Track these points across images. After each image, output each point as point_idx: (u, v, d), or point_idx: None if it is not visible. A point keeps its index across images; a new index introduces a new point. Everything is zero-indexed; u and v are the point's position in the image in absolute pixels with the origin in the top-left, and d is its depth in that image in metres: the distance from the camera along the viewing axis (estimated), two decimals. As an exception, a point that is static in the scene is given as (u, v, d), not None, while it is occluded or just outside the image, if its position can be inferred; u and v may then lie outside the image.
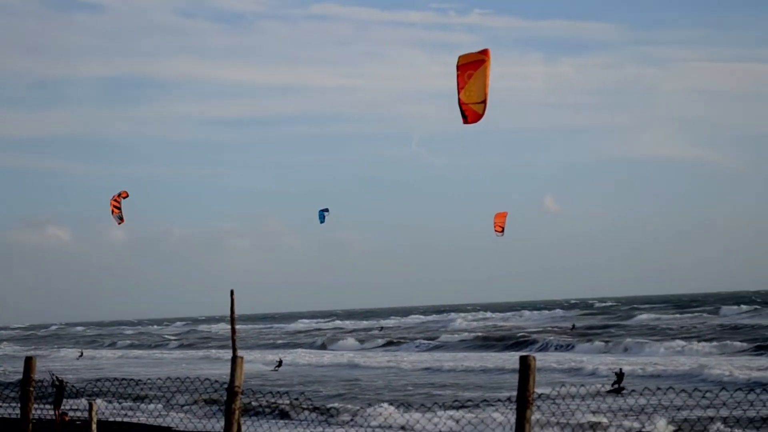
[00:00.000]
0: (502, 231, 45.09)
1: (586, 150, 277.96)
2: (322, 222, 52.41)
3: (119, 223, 37.27)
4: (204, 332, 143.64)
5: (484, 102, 18.93)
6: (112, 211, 36.98)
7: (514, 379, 11.16)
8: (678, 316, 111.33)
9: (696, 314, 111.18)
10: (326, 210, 52.28)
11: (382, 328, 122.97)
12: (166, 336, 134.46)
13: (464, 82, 19.03)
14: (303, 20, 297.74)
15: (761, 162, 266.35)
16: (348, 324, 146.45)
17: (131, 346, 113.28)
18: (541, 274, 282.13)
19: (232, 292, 19.01)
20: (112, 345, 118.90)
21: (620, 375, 38.99)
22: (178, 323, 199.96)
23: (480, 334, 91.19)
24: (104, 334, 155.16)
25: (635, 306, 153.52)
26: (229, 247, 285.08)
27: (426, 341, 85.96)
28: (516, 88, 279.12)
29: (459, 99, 19.07)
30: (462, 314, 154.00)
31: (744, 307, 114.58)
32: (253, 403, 31.47)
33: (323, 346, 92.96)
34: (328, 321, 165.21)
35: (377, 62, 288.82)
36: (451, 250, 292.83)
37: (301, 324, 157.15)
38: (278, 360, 64.35)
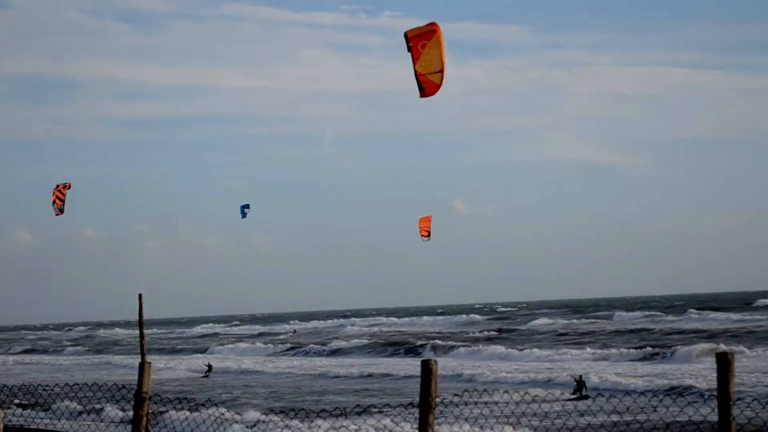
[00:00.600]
0: (429, 235, 45.43)
1: (497, 152, 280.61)
2: (243, 217, 52.84)
3: (58, 215, 36.97)
4: (103, 337, 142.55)
5: (441, 71, 18.19)
6: (54, 202, 36.69)
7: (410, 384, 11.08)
8: (575, 321, 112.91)
9: (591, 320, 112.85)
10: (247, 206, 52.65)
11: (295, 331, 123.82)
12: (64, 341, 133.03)
13: (419, 52, 18.28)
14: (213, 20, 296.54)
15: (669, 165, 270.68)
16: (248, 329, 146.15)
17: (27, 352, 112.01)
18: (449, 278, 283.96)
19: (140, 296, 18.81)
20: (8, 351, 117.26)
21: (580, 382, 38.64)
22: (81, 328, 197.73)
23: (376, 339, 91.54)
24: (4, 339, 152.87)
25: (535, 311, 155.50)
26: (141, 249, 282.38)
27: (321, 347, 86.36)
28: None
29: (415, 71, 18.21)
30: (360, 319, 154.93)
31: (638, 313, 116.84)
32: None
33: (208, 351, 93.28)
34: (229, 326, 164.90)
35: (287, 63, 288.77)
36: (361, 253, 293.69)
37: (200, 329, 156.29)
38: (207, 365, 63.21)
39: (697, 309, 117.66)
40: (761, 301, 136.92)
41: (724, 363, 9.66)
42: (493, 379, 48.83)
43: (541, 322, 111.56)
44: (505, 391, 19.96)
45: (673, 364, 53.95)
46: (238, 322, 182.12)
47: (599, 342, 73.39)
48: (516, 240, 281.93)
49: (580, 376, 39.65)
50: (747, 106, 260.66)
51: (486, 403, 25.95)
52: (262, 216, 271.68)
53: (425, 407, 10.46)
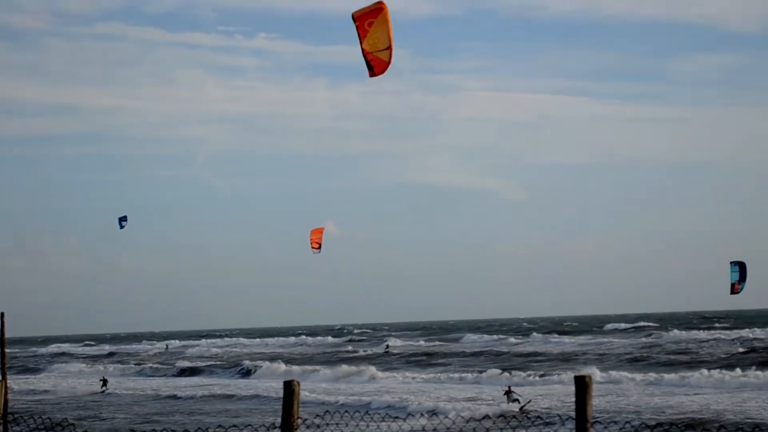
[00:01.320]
0: (320, 248, 44.98)
1: (372, 175, 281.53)
2: (121, 228, 52.21)
3: None
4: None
5: (389, 48, 17.95)
6: None
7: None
8: (423, 343, 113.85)
9: (438, 343, 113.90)
10: (125, 218, 51.93)
11: (167, 347, 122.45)
12: None
13: (365, 30, 17.97)
14: (87, 39, 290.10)
15: (542, 191, 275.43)
16: (97, 349, 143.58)
17: None
18: (319, 298, 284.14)
19: (2, 315, 18.51)
20: None
21: (509, 392, 38.92)
22: None
23: (217, 361, 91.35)
24: None
25: (389, 333, 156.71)
26: (3, 267, 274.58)
27: (168, 366, 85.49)
28: (302, 113, 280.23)
29: (363, 50, 17.95)
30: (215, 339, 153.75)
31: (486, 337, 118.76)
32: None
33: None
34: (79, 346, 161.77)
35: (162, 83, 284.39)
36: (230, 272, 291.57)
37: (54, 348, 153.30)
38: (102, 379, 61.50)
39: (544, 333, 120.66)
40: (611, 326, 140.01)
41: (582, 385, 9.86)
42: (346, 402, 47.97)
43: (393, 344, 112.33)
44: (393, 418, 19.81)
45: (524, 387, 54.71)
46: (92, 342, 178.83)
47: (442, 365, 74.17)
48: (387, 262, 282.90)
49: (509, 387, 40.33)
50: (611, 132, 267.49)
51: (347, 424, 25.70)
52: (131, 236, 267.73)
53: (287, 428, 10.43)
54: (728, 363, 58.52)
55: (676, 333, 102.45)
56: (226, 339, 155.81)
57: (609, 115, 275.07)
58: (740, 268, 39.74)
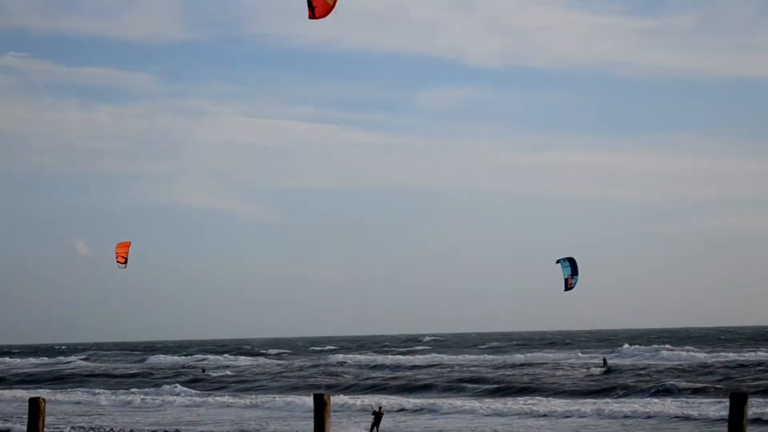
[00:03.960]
0: (125, 262, 43.33)
1: (122, 196, 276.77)
2: None
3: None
4: None
5: None
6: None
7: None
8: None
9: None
10: None
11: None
12: None
13: None
14: None
15: (288, 213, 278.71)
16: None
17: None
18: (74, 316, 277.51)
19: None
20: None
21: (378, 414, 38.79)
22: None
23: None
24: None
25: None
26: None
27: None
28: (51, 133, 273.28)
29: None
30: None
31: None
32: None
33: None
34: None
35: None
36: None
37: None
38: None
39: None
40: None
41: (320, 403, 10.69)
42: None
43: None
44: None
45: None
46: None
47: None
48: (134, 282, 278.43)
49: (380, 408, 40.34)
50: (357, 159, 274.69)
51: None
52: None
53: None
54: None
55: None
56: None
57: (354, 142, 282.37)
58: (570, 262, 39.07)
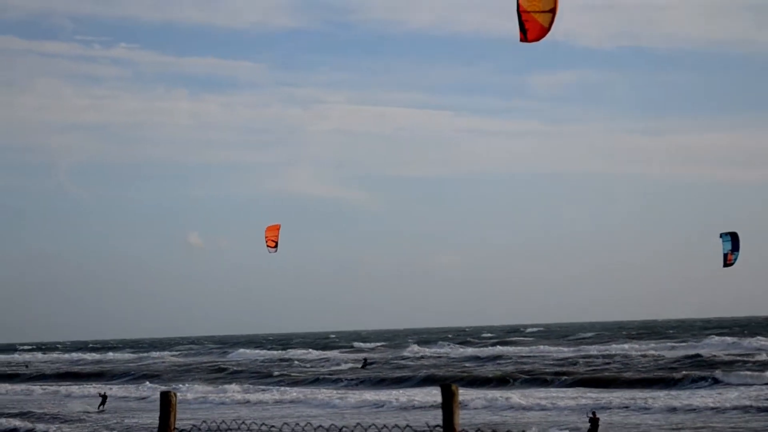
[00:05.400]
0: (276, 246, 42.64)
1: (234, 186, 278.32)
2: None
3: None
4: None
5: (552, 11, 15.17)
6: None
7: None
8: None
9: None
10: None
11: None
12: None
13: None
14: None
15: (399, 201, 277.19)
16: None
17: None
18: (184, 309, 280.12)
19: None
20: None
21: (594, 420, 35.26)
22: None
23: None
24: None
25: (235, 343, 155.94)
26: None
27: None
28: (162, 123, 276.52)
29: (519, 6, 15.35)
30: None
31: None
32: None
33: None
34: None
35: (21, 92, 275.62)
36: (98, 284, 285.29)
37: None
38: (102, 395, 54.78)
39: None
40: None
41: (448, 394, 9.65)
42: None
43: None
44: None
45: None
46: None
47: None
48: (253, 273, 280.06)
49: (594, 412, 36.32)
50: (472, 145, 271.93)
51: None
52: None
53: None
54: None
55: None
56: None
57: (470, 128, 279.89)
58: (732, 237, 37.91)
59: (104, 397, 54.24)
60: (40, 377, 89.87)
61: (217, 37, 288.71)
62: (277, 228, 43.93)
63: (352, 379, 68.64)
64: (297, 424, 12.39)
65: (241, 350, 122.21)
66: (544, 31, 15.36)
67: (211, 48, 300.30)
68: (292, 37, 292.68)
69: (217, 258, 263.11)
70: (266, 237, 43.59)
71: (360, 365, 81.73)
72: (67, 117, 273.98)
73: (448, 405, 9.47)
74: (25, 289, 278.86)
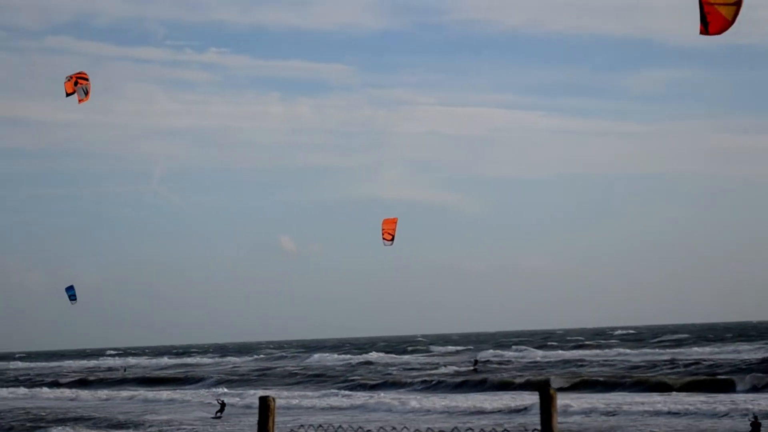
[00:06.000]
0: (392, 239, 42.62)
1: (325, 190, 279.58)
2: (73, 301, 50.45)
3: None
4: None
5: (737, 4, 14.35)
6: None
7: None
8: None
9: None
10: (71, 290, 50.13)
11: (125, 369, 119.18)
12: None
13: None
14: (36, 53, 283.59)
15: (492, 203, 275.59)
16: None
17: None
18: (278, 313, 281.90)
19: None
20: None
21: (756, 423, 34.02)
22: None
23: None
24: None
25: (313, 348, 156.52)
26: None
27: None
28: (254, 127, 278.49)
29: None
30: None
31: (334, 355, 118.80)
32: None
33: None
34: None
35: (113, 98, 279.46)
36: (190, 289, 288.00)
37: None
38: (220, 402, 54.08)
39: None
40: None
41: (547, 397, 9.85)
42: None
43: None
44: None
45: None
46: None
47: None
48: (342, 277, 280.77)
49: (756, 417, 35.00)
50: (562, 146, 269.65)
51: None
52: (85, 250, 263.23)
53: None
54: None
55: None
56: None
57: (563, 129, 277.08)
58: None
59: (222, 404, 53.55)
60: (143, 381, 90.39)
61: (307, 40, 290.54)
62: (394, 221, 43.63)
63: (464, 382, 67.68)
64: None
65: (326, 354, 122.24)
66: (728, 24, 14.67)
67: (300, 51, 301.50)
68: (381, 38, 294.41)
69: (307, 262, 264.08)
70: (383, 229, 43.49)
71: (471, 367, 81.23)
72: (159, 122, 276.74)
73: (546, 408, 9.70)
74: (118, 294, 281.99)
